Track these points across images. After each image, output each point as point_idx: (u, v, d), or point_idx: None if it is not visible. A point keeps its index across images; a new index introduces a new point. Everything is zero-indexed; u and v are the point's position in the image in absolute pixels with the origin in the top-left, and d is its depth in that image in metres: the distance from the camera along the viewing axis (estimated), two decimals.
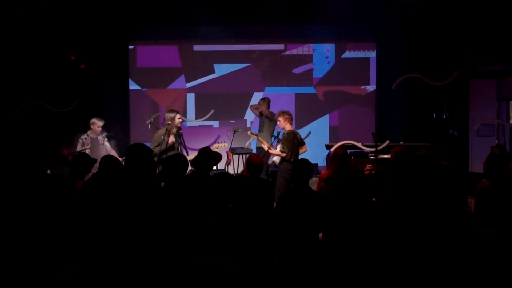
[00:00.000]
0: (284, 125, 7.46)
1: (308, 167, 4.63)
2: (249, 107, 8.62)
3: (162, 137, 6.78)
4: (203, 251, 2.58)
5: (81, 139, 7.42)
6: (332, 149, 7.42)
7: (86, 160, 5.23)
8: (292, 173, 7.09)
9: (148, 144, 7.35)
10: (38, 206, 3.91)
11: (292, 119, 7.51)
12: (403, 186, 4.24)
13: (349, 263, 3.41)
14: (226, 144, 7.90)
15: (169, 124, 6.83)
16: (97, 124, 7.53)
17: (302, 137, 8.20)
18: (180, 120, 7.04)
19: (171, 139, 6.82)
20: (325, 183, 5.59)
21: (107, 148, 7.55)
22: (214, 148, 7.48)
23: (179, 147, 7.08)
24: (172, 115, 6.96)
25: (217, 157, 5.66)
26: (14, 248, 3.40)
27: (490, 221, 4.54)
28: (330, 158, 6.10)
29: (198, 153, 5.35)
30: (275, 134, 8.04)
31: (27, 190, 4.03)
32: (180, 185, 4.42)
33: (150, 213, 4.13)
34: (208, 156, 5.30)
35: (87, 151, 7.20)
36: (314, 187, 6.67)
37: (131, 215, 4.17)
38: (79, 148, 7.30)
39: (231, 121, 10.38)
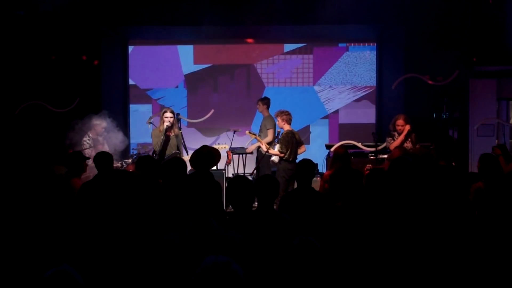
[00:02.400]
0: (282, 125, 7.48)
1: (311, 167, 4.64)
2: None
3: (162, 137, 6.78)
4: (206, 251, 2.58)
5: (85, 140, 7.40)
6: (332, 149, 7.43)
7: (81, 158, 5.31)
8: (292, 173, 7.11)
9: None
10: (42, 205, 3.91)
11: (290, 119, 7.51)
12: (402, 186, 4.24)
13: (350, 264, 3.41)
14: (226, 146, 7.90)
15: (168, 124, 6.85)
16: (101, 125, 7.52)
17: (302, 137, 8.21)
18: (169, 117, 6.88)
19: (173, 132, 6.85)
20: (329, 184, 5.58)
21: (106, 148, 7.54)
22: None
23: (180, 147, 7.07)
24: (161, 113, 7.01)
25: (217, 155, 5.65)
26: (13, 247, 3.40)
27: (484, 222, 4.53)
28: (331, 158, 6.08)
29: (198, 152, 5.28)
30: (275, 134, 8.04)
31: (32, 190, 4.03)
32: (180, 185, 4.43)
33: (149, 212, 4.14)
34: (208, 155, 5.27)
35: (92, 152, 7.21)
36: (315, 187, 6.68)
37: (130, 214, 4.17)
38: (87, 147, 7.29)
39: (231, 121, 10.37)
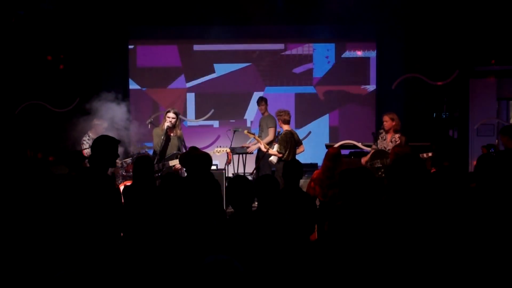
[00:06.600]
0: (281, 125, 7.47)
1: (298, 167, 4.57)
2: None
3: (162, 137, 6.77)
4: (207, 251, 2.58)
5: (85, 140, 7.37)
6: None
7: (80, 158, 5.32)
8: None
9: (150, 144, 7.40)
10: (40, 205, 3.91)
11: (289, 119, 7.50)
12: (403, 186, 4.23)
13: (347, 264, 3.40)
14: (227, 149, 7.88)
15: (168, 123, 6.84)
16: (102, 125, 7.46)
17: (302, 137, 8.20)
18: (171, 117, 6.79)
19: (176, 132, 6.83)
20: (314, 183, 5.57)
21: None
22: (215, 152, 7.50)
23: (181, 148, 7.06)
24: (165, 112, 6.98)
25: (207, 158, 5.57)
26: (13, 247, 3.40)
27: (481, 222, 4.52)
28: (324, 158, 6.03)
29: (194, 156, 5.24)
30: (276, 133, 8.04)
31: (30, 190, 4.03)
32: (178, 185, 4.42)
33: (150, 212, 4.14)
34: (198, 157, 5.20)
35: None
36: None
37: (132, 214, 4.17)
38: (86, 147, 7.28)
39: (231, 120, 10.38)
